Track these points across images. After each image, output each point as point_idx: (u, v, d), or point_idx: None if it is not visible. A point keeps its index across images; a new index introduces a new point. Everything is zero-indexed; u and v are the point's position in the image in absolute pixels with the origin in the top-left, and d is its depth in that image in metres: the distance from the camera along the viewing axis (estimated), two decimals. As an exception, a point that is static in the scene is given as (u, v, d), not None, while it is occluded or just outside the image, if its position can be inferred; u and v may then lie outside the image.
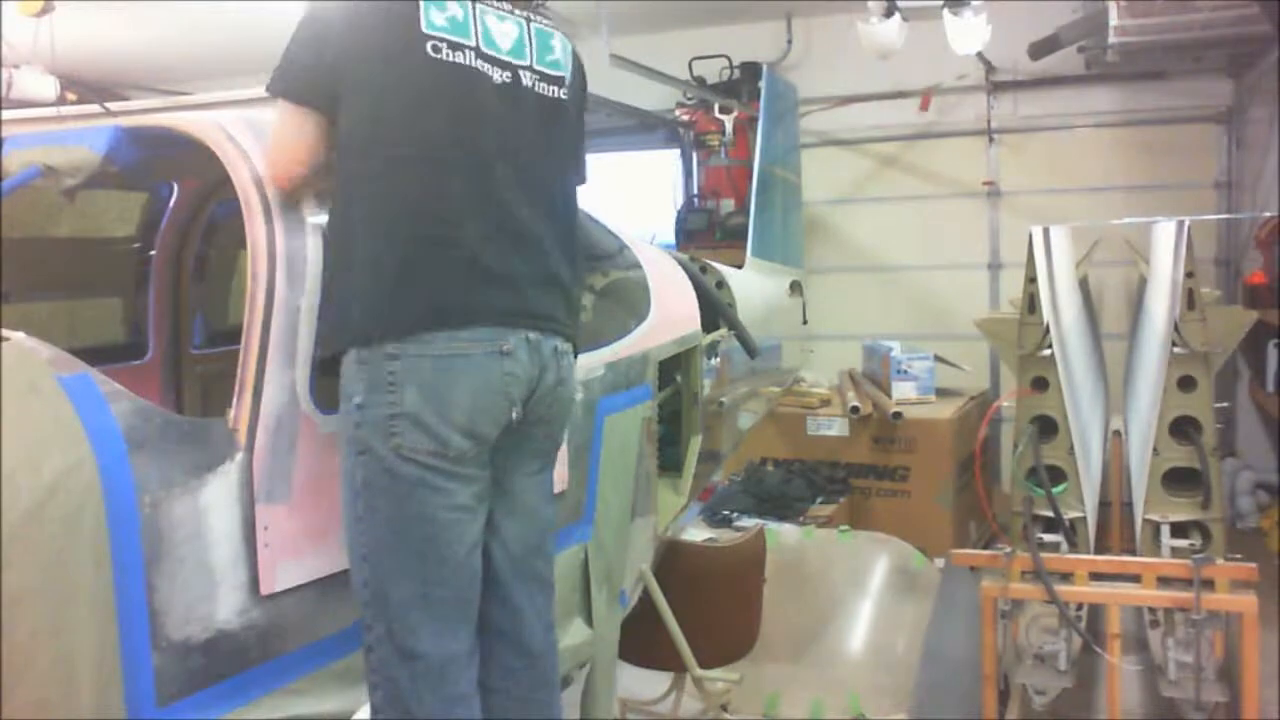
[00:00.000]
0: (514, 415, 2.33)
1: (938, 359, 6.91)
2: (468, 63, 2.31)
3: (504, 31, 2.39)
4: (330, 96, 2.28)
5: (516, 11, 2.45)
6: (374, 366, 2.21)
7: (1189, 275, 3.93)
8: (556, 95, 2.48)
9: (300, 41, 2.32)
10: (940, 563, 5.09)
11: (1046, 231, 4.17)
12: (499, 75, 2.35)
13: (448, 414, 2.21)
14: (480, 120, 2.31)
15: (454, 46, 2.30)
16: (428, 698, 2.23)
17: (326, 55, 2.26)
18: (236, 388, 2.23)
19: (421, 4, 2.27)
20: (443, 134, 2.27)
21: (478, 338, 2.25)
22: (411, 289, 2.22)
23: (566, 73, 2.53)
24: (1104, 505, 4.29)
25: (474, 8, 2.35)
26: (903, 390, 6.73)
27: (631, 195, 8.78)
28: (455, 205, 2.26)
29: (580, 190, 2.67)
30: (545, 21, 2.53)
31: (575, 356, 2.58)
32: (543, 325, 2.38)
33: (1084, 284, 4.88)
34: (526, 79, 2.41)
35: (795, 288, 6.17)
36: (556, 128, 2.49)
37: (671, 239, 8.02)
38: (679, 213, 8.26)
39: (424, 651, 2.23)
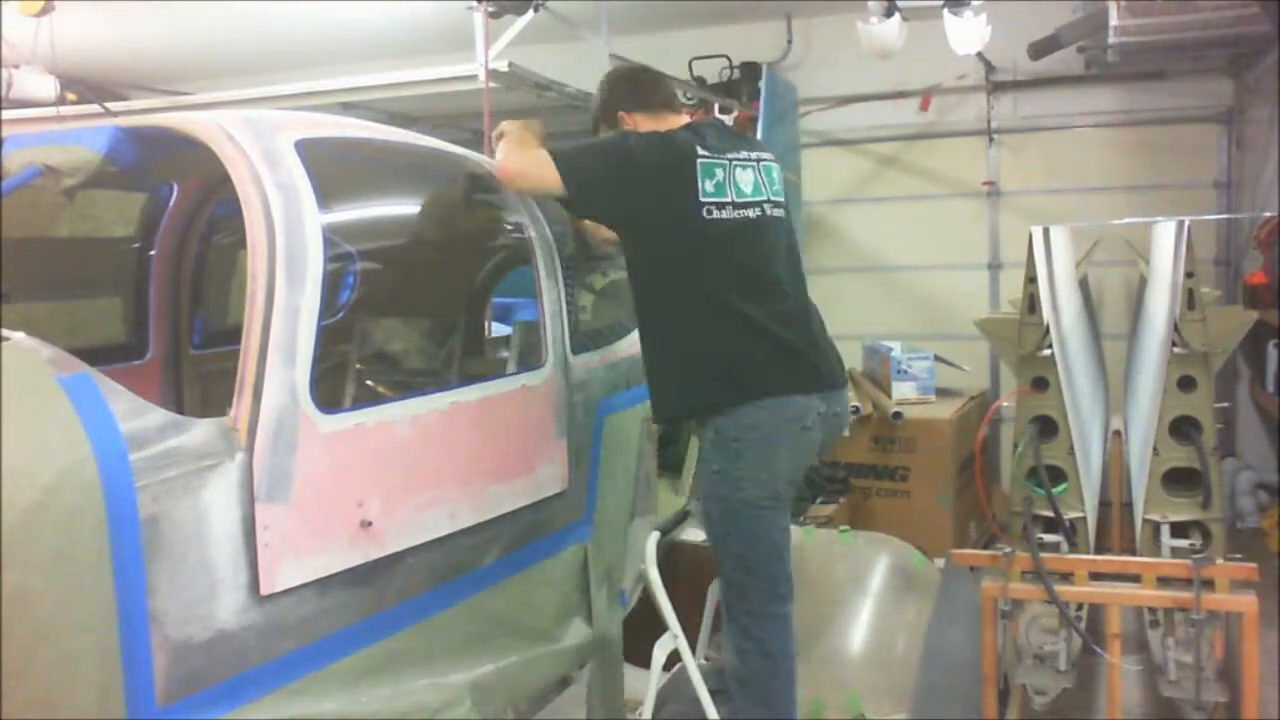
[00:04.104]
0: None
1: (938, 359, 6.91)
2: (731, 216, 3.10)
3: (746, 179, 3.18)
4: (593, 209, 3.19)
5: (751, 159, 3.23)
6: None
7: (1189, 275, 3.93)
8: (780, 214, 3.29)
9: (601, 166, 3.08)
10: (940, 563, 5.09)
11: (1046, 231, 4.17)
12: (752, 213, 3.16)
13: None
14: (746, 252, 3.12)
15: (720, 205, 3.08)
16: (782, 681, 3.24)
17: (617, 198, 3.08)
18: (236, 388, 2.23)
19: (698, 178, 3.04)
20: (721, 271, 3.07)
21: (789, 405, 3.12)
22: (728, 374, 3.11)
23: (783, 193, 3.34)
24: (1104, 505, 4.29)
25: (730, 168, 3.13)
26: (903, 390, 6.73)
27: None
28: (733, 319, 3.06)
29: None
30: (767, 157, 3.31)
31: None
32: (833, 384, 3.27)
33: (1084, 284, 4.88)
34: (768, 209, 3.23)
35: (795, 288, 6.17)
36: (785, 233, 3.31)
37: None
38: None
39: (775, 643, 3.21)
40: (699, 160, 3.07)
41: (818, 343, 3.24)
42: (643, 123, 3.26)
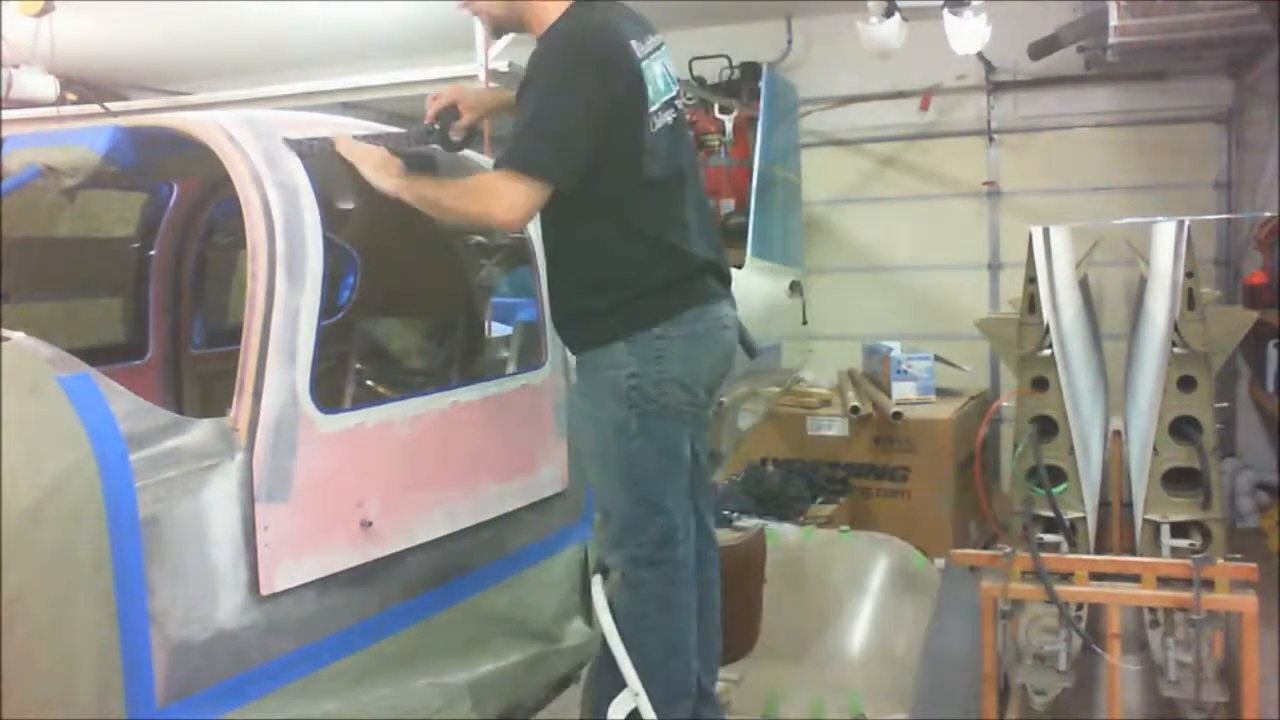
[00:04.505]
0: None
1: (938, 359, 6.91)
2: (659, 125, 2.79)
3: (657, 74, 2.82)
4: (581, 176, 2.69)
5: (650, 42, 2.85)
6: (643, 345, 2.76)
7: (1189, 275, 3.93)
8: (682, 106, 2.96)
9: (573, 132, 2.62)
10: (940, 563, 5.09)
11: (1046, 231, 4.17)
12: (670, 116, 2.85)
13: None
14: (671, 159, 2.83)
15: (655, 112, 2.78)
16: (683, 568, 2.87)
17: (595, 140, 2.65)
18: (236, 388, 2.23)
19: (646, 87, 2.73)
20: (657, 180, 2.79)
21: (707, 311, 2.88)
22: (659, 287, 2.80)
23: (673, 83, 2.94)
24: (1104, 505, 4.28)
25: (653, 65, 2.80)
26: (903, 390, 6.73)
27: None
28: (672, 223, 2.83)
29: None
30: (659, 40, 2.92)
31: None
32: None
33: (1084, 284, 4.88)
34: (679, 106, 2.92)
35: (795, 288, 6.17)
36: (689, 135, 3.04)
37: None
38: (679, 213, 8.25)
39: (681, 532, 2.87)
40: (641, 61, 2.74)
41: (723, 255, 3.05)
42: (514, 5, 2.80)
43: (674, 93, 2.90)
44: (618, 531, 2.87)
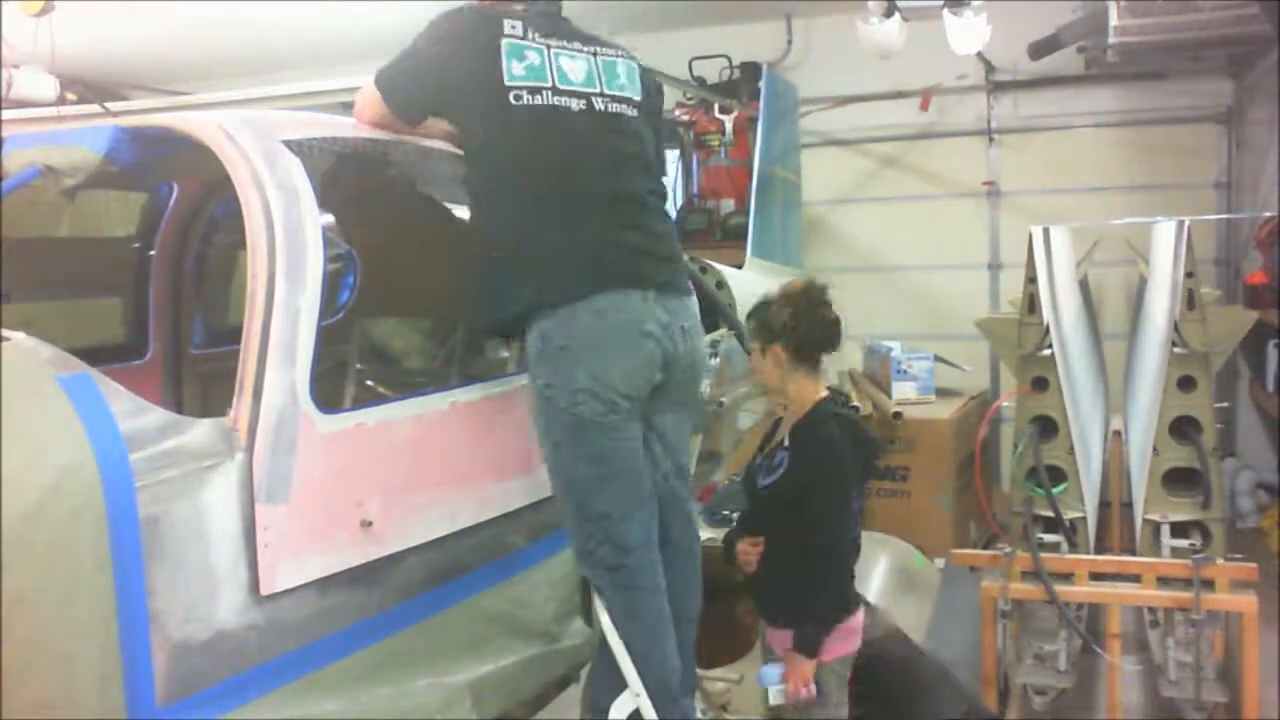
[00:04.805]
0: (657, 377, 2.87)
1: (938, 359, 6.91)
2: (546, 102, 2.84)
3: (575, 68, 2.94)
4: (417, 114, 2.95)
5: (584, 49, 2.99)
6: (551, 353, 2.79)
7: (1189, 275, 3.93)
8: (623, 111, 3.01)
9: (409, 69, 2.91)
10: (940, 563, 5.09)
11: (1046, 231, 4.17)
12: (575, 104, 2.90)
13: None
14: (562, 142, 2.86)
15: (533, 91, 2.83)
16: (641, 575, 2.85)
17: (427, 92, 2.89)
18: (236, 388, 2.23)
19: (503, 61, 2.80)
20: (532, 162, 2.83)
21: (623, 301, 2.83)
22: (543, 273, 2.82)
23: (634, 94, 3.06)
24: (1104, 505, 4.29)
25: (549, 53, 2.89)
26: (903, 390, 6.73)
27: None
28: (550, 216, 2.83)
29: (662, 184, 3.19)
30: (612, 52, 3.07)
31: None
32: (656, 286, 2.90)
33: (1084, 284, 4.88)
34: (598, 103, 2.95)
35: (795, 288, 6.16)
36: (627, 135, 3.02)
37: (671, 239, 8.00)
38: (679, 213, 8.25)
39: (634, 544, 2.84)
40: (505, 39, 2.84)
41: (647, 248, 2.92)
42: None
43: (597, 90, 2.96)
44: (573, 542, 2.90)
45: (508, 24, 2.87)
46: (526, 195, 2.84)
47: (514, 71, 2.82)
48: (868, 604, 3.52)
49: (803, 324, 3.24)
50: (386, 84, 2.91)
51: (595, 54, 3.02)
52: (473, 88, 2.84)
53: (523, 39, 2.86)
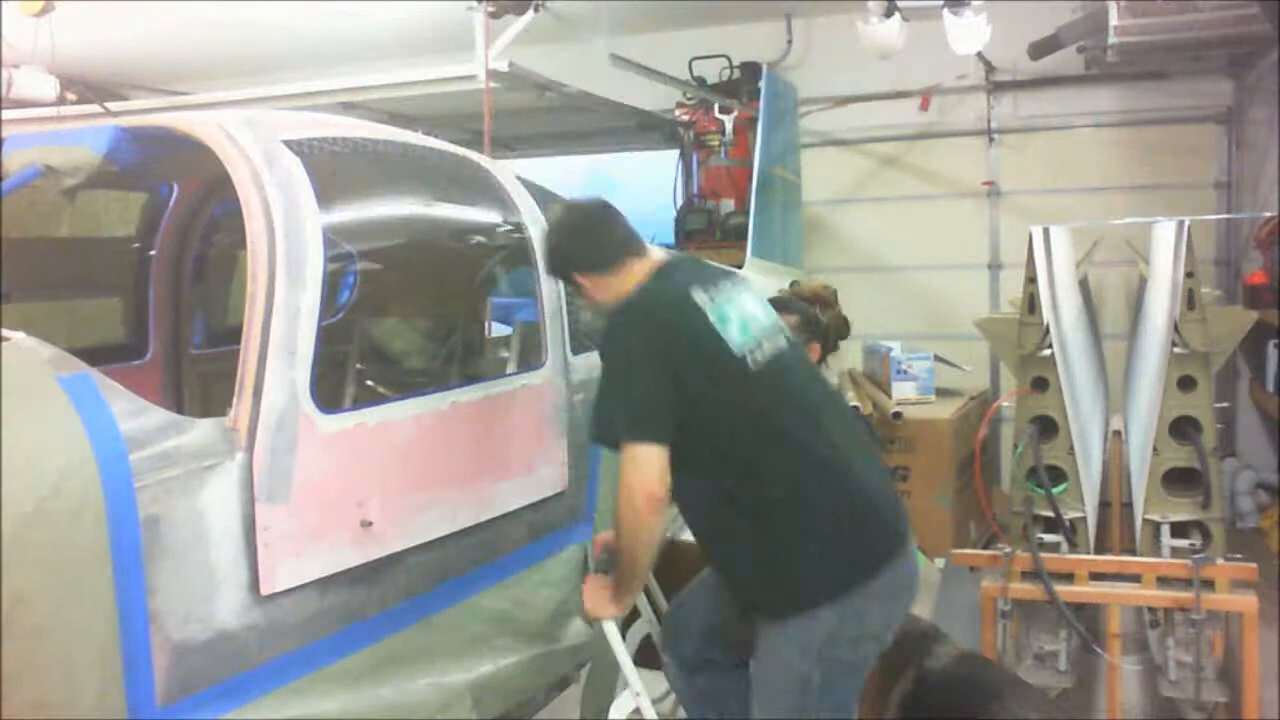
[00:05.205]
0: None
1: (938, 359, 6.90)
2: (768, 356, 2.69)
3: (755, 307, 2.80)
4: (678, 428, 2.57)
5: (733, 285, 2.83)
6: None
7: (1189, 275, 3.93)
8: (783, 342, 2.81)
9: (644, 390, 2.56)
10: (940, 563, 5.09)
11: (1046, 231, 4.17)
12: (779, 344, 2.78)
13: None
14: (793, 392, 2.72)
15: (755, 349, 2.68)
16: None
17: (675, 394, 2.55)
18: (236, 388, 2.23)
19: (718, 328, 2.62)
20: (790, 421, 2.66)
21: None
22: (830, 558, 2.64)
23: (772, 316, 2.88)
24: (1104, 505, 4.29)
25: (734, 302, 2.73)
26: (903, 390, 6.72)
27: (632, 195, 8.77)
28: (808, 481, 2.64)
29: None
30: (732, 287, 2.82)
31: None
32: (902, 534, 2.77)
33: (1084, 284, 4.88)
34: (771, 348, 2.75)
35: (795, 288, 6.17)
36: (804, 357, 2.92)
37: (671, 239, 8.01)
38: (679, 213, 8.26)
39: None
40: (700, 304, 2.67)
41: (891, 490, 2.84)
42: (601, 284, 2.79)
43: (756, 329, 2.77)
44: None
45: (692, 289, 2.69)
46: (796, 457, 2.64)
47: (733, 336, 2.66)
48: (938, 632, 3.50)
49: (831, 322, 3.32)
50: (646, 422, 2.54)
51: (737, 282, 2.88)
52: (710, 368, 2.61)
53: (709, 298, 2.70)
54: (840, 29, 7.09)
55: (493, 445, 2.93)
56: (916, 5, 6.04)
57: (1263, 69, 6.64)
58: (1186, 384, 3.92)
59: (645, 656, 3.91)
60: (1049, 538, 3.93)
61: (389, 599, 2.56)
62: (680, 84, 7.72)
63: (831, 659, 2.61)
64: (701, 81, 7.94)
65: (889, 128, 7.91)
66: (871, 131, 7.97)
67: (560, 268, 2.92)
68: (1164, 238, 4.07)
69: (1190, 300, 3.91)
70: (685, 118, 8.21)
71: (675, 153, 8.61)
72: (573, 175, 7.97)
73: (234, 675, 2.15)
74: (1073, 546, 3.94)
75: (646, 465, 2.49)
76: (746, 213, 6.43)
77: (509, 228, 3.43)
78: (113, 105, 6.33)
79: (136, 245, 3.74)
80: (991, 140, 7.69)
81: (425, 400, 2.74)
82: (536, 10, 5.28)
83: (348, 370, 3.86)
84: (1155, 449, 3.94)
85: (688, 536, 4.16)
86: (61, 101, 6.67)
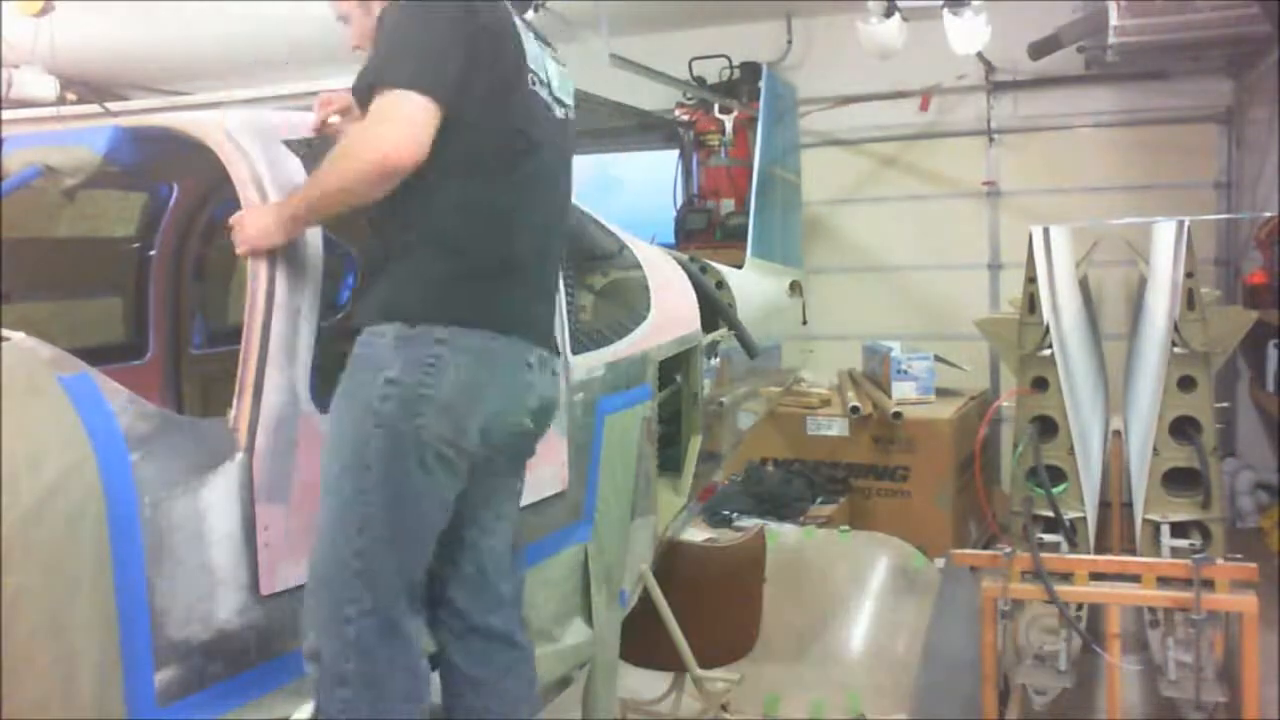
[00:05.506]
0: (526, 426, 2.43)
1: (938, 359, 6.91)
2: (547, 97, 2.46)
3: (548, 66, 2.50)
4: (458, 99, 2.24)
5: (550, 49, 2.56)
6: (416, 346, 2.22)
7: (1189, 275, 3.93)
8: (572, 130, 2.64)
9: (437, 43, 2.21)
10: (940, 563, 5.10)
11: (1046, 231, 4.17)
12: (559, 111, 2.52)
13: (475, 409, 2.26)
14: (549, 152, 2.45)
15: (538, 81, 2.42)
16: (403, 678, 2.24)
17: (461, 61, 2.23)
18: (236, 388, 2.23)
19: (522, 36, 2.37)
20: (528, 162, 2.39)
21: (512, 346, 2.35)
22: (471, 284, 2.30)
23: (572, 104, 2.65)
24: (1104, 505, 4.29)
25: (544, 56, 2.48)
26: (903, 390, 6.73)
27: (631, 195, 8.78)
28: (522, 226, 2.39)
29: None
30: (555, 54, 2.61)
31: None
32: (549, 343, 2.53)
33: (1084, 284, 4.89)
34: (570, 114, 2.59)
35: (795, 288, 6.17)
36: (572, 156, 2.65)
37: (671, 239, 8.02)
38: (679, 213, 8.26)
39: (408, 631, 2.26)
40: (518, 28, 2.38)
41: (552, 299, 2.59)
42: None
43: (565, 99, 2.56)
44: (312, 603, 2.20)
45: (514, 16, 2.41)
46: (506, 195, 2.34)
47: (529, 50, 2.38)
48: None
49: None
50: (425, 78, 2.16)
51: (553, 58, 2.57)
52: (502, 58, 2.31)
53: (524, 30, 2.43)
54: (840, 29, 7.10)
55: (493, 445, 2.93)
56: (916, 5, 6.04)
57: (1263, 69, 6.64)
58: (1186, 384, 3.92)
59: (646, 657, 3.92)
60: (1049, 538, 3.93)
61: (389, 599, 2.55)
62: (680, 84, 7.72)
63: (378, 414, 2.21)
64: (701, 81, 7.95)
65: (889, 128, 7.92)
66: (871, 131, 7.97)
67: None
68: (1164, 238, 4.07)
69: (1190, 300, 3.91)
70: (685, 118, 8.21)
71: (675, 153, 8.62)
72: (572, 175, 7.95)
73: (234, 675, 2.15)
74: (1073, 546, 3.94)
75: (423, 121, 2.15)
76: (746, 213, 6.43)
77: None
78: (113, 105, 6.32)
79: (136, 245, 3.73)
80: (991, 140, 7.69)
81: (425, 400, 2.73)
82: (536, 10, 5.28)
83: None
84: (1155, 449, 3.94)
85: (687, 536, 4.18)
86: (61, 101, 6.67)
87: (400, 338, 2.23)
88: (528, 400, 2.40)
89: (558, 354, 2.61)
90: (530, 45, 2.41)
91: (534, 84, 2.39)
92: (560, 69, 2.57)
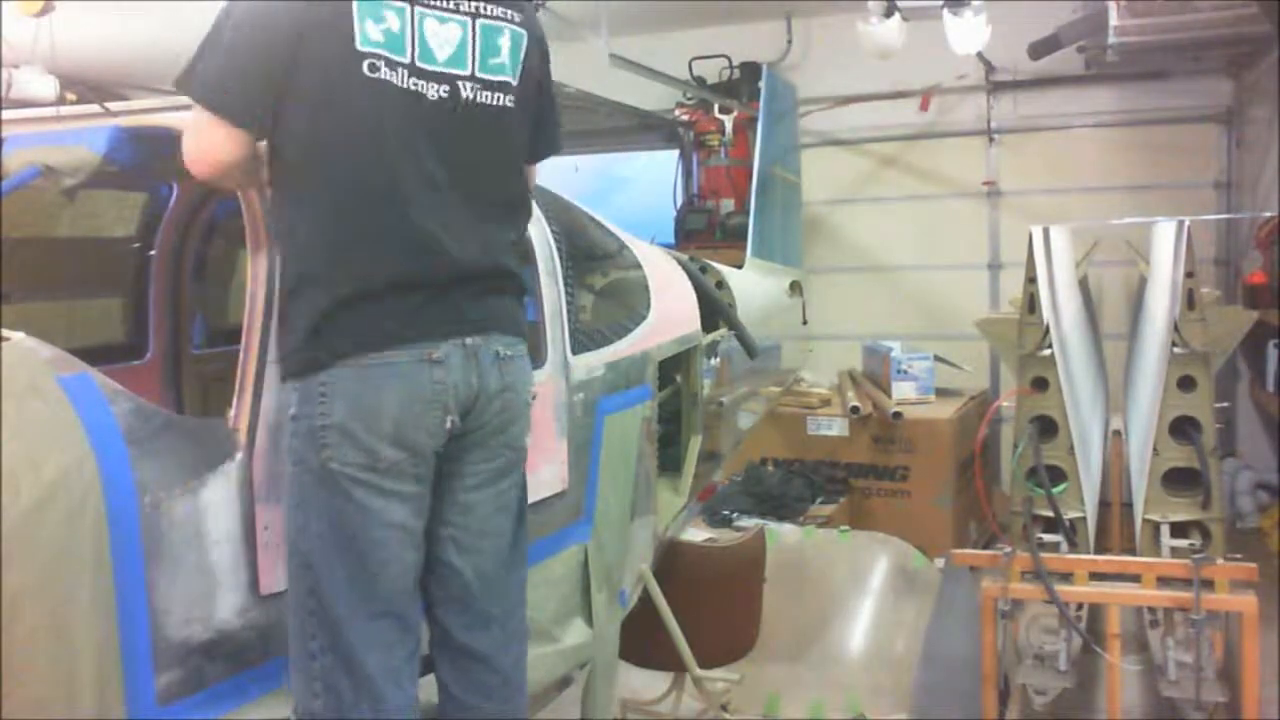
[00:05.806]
0: (450, 424, 2.26)
1: (938, 359, 6.91)
2: (402, 83, 2.20)
3: (445, 38, 2.26)
4: (267, 116, 2.15)
5: (461, 8, 2.29)
6: (308, 379, 2.19)
7: (1189, 275, 3.93)
8: (500, 102, 2.37)
9: (236, 48, 2.11)
10: (940, 563, 5.09)
11: (1046, 231, 4.17)
12: (434, 91, 2.25)
13: (375, 424, 2.17)
14: (412, 143, 2.22)
15: (390, 64, 2.19)
16: (367, 709, 2.19)
17: (263, 70, 2.11)
18: (236, 388, 2.23)
19: (355, 19, 2.14)
20: (375, 162, 2.19)
21: (405, 353, 2.21)
22: (340, 317, 2.18)
23: (513, 75, 2.39)
24: (1104, 505, 4.29)
25: (413, 13, 2.21)
26: (903, 390, 6.74)
27: (631, 195, 8.78)
28: (383, 234, 2.21)
29: (550, 159, 2.65)
30: (495, 13, 2.35)
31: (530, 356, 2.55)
32: (481, 329, 2.32)
33: (1084, 284, 4.88)
34: (466, 90, 2.30)
35: (795, 288, 6.17)
36: (497, 134, 2.39)
37: (671, 239, 8.02)
38: (679, 213, 8.26)
39: (367, 665, 2.18)
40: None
41: (476, 273, 2.31)
42: None
43: (468, 72, 2.30)
44: (288, 639, 2.21)
45: None
46: (348, 206, 2.19)
47: (369, 34, 2.15)
48: None
49: None
50: (209, 90, 2.10)
51: (474, 15, 2.30)
52: (318, 51, 2.13)
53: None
54: (840, 29, 7.11)
55: (493, 445, 2.92)
56: (916, 5, 6.04)
57: (1263, 69, 6.64)
58: (1186, 384, 3.92)
59: (646, 657, 3.92)
60: (1049, 538, 3.93)
61: (389, 599, 2.55)
62: (680, 84, 7.73)
63: (295, 456, 2.20)
64: (701, 81, 7.95)
65: (889, 128, 7.92)
66: (871, 131, 7.98)
67: None
68: (1164, 238, 4.07)
69: (1190, 300, 3.91)
70: (685, 118, 8.22)
71: (675, 153, 8.62)
72: (573, 175, 7.97)
73: (234, 675, 2.15)
74: (1073, 546, 3.94)
75: (206, 138, 2.13)
76: (746, 213, 6.43)
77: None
78: (113, 105, 6.33)
79: (136, 245, 3.73)
80: (991, 140, 7.70)
81: (425, 400, 2.73)
82: (536, 10, 5.28)
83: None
84: (1155, 449, 3.94)
85: (687, 536, 4.18)
86: (61, 101, 6.67)
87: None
88: (442, 398, 2.23)
89: (519, 336, 2.43)
90: (376, 28, 2.16)
91: (375, 70, 2.17)
92: (476, 28, 2.31)
